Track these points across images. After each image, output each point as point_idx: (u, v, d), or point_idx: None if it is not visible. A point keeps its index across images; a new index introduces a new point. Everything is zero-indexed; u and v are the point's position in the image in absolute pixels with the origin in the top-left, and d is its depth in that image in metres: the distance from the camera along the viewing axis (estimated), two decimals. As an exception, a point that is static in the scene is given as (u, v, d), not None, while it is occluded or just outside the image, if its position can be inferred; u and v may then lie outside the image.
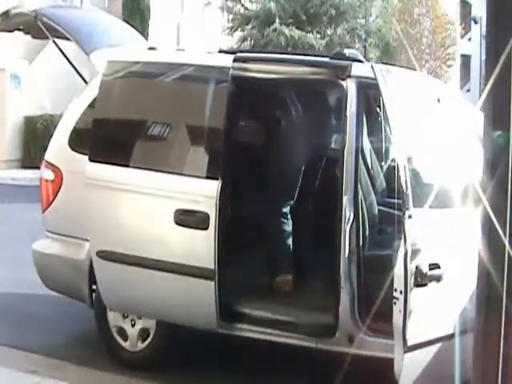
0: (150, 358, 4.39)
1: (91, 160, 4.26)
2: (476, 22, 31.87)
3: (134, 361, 4.42)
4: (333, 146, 5.05)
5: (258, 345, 4.13)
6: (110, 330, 4.48)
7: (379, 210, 4.63)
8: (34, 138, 14.59)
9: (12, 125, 15.26)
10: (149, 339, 4.39)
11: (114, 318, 4.45)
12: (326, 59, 4.27)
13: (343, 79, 3.98)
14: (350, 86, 3.95)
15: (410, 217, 3.31)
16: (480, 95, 2.21)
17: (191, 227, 3.95)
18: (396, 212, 4.00)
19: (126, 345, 4.44)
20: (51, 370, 4.26)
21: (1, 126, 15.14)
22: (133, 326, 4.42)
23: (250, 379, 4.28)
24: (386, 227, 4.49)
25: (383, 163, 5.08)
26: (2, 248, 7.22)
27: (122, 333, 4.45)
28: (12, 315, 5.33)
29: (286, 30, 19.14)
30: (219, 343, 4.54)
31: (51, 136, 4.82)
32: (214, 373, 4.37)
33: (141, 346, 4.42)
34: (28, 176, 12.82)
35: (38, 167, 5.25)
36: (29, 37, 5.66)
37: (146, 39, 12.78)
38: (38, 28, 4.85)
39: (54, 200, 4.59)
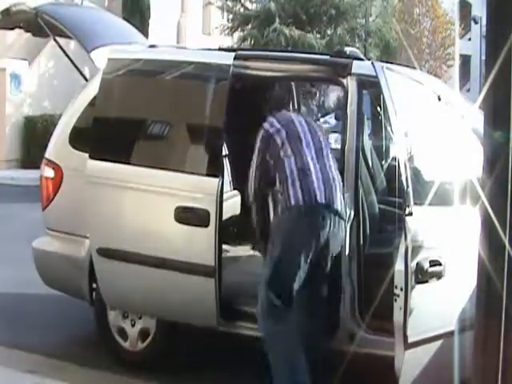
0: (149, 358, 4.38)
1: (92, 157, 4.26)
2: (476, 22, 31.90)
3: (134, 361, 4.41)
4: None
5: (259, 343, 4.13)
6: (110, 330, 4.47)
7: (380, 209, 4.63)
8: (34, 138, 14.56)
9: (12, 125, 15.25)
10: (149, 339, 4.39)
11: (114, 317, 4.45)
12: (327, 57, 4.28)
13: (344, 77, 3.98)
14: (351, 83, 3.95)
15: (410, 214, 3.31)
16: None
17: (192, 224, 3.95)
18: (396, 210, 4.00)
19: (125, 345, 4.44)
20: (51, 370, 4.25)
21: (1, 126, 15.14)
22: (133, 325, 4.41)
23: (250, 379, 4.28)
24: (386, 226, 4.49)
25: (384, 162, 5.09)
26: (2, 247, 7.22)
27: (122, 333, 4.44)
28: (12, 315, 5.32)
29: (286, 30, 19.14)
30: (219, 342, 4.54)
31: (51, 136, 4.83)
32: (215, 373, 4.37)
33: (141, 346, 4.41)
34: (28, 176, 12.81)
35: (38, 167, 5.26)
36: (29, 35, 5.66)
37: (146, 38, 12.77)
38: (39, 26, 4.85)
39: (54, 197, 4.59)
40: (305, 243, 3.67)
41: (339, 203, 3.74)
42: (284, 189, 3.73)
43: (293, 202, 3.68)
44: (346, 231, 3.81)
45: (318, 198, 3.68)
